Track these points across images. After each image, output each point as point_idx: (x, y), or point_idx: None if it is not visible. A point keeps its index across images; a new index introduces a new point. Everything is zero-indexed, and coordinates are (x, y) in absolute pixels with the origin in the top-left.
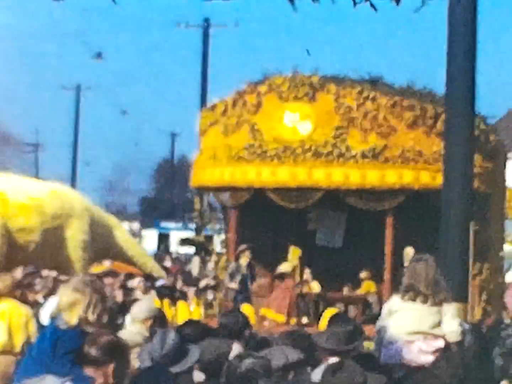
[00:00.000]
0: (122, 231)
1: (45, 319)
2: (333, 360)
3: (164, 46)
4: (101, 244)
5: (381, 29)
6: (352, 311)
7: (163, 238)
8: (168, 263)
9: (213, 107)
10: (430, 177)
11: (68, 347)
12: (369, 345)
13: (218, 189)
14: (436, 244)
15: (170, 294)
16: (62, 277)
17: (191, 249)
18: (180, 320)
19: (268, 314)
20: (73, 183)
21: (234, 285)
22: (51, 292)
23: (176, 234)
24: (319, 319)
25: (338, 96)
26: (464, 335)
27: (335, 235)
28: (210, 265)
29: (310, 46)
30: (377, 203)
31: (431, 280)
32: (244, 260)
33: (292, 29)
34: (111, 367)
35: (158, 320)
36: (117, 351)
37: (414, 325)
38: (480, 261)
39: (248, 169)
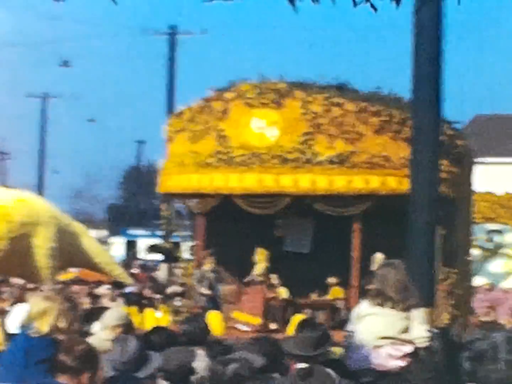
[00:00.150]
0: (89, 238)
1: (11, 328)
2: (301, 365)
3: (131, 53)
4: (68, 252)
5: (346, 35)
6: (320, 317)
7: (131, 245)
8: (135, 270)
9: (180, 114)
10: (397, 182)
11: (40, 356)
12: (337, 351)
13: (186, 196)
14: (404, 249)
15: (138, 301)
16: (30, 285)
17: (158, 256)
18: (148, 327)
19: (242, 317)
20: (40, 191)
21: (206, 290)
22: (18, 300)
23: (144, 241)
24: (286, 325)
25: (305, 102)
26: (432, 340)
27: (302, 241)
28: (178, 272)
29: (277, 52)
30: (344, 208)
31: (400, 285)
32: (208, 266)
33: (259, 36)
34: (85, 376)
35: (127, 327)
36: (92, 359)
37: (383, 330)
38: (448, 265)
39: (215, 176)
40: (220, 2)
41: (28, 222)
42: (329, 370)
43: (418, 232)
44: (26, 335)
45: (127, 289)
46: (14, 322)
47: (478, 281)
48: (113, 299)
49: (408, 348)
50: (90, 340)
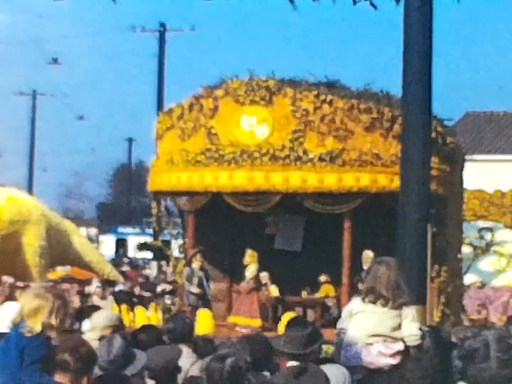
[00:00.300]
0: (79, 236)
1: (1, 327)
2: (292, 363)
3: (120, 51)
4: (58, 250)
5: (337, 32)
6: (311, 315)
7: (121, 244)
8: (126, 268)
9: (170, 112)
10: (387, 180)
11: (35, 355)
12: (328, 349)
13: (175, 194)
14: (394, 246)
15: (128, 299)
16: (20, 283)
17: (148, 254)
18: (139, 326)
19: (240, 321)
20: (30, 189)
21: (195, 289)
22: (8, 298)
23: (134, 239)
24: (277, 323)
25: (295, 100)
26: (423, 338)
27: (293, 239)
28: (168, 270)
29: (267, 50)
30: (334, 206)
31: (393, 283)
32: (196, 264)
33: (248, 32)
34: (85, 379)
35: (117, 328)
36: (93, 362)
37: (374, 328)
38: (439, 263)
39: (205, 174)
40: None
41: (18, 220)
42: (322, 369)
43: (408, 229)
44: (19, 334)
45: (117, 288)
46: (3, 321)
47: (469, 279)
48: (103, 297)
49: (399, 346)
50: None
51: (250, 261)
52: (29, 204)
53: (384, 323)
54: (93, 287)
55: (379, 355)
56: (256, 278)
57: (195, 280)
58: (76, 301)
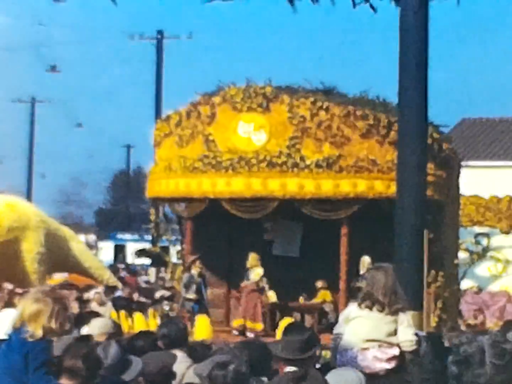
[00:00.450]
0: (78, 243)
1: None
2: (290, 369)
3: (118, 58)
4: (57, 256)
5: (333, 39)
6: (309, 320)
7: (120, 250)
8: (124, 275)
9: (167, 119)
10: (384, 186)
11: (41, 359)
12: (326, 354)
13: (174, 200)
14: (391, 252)
15: (127, 305)
16: (18, 290)
17: (147, 261)
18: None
19: (248, 324)
20: (28, 195)
21: (192, 295)
22: (7, 304)
23: (132, 245)
24: (275, 328)
25: (292, 107)
26: (419, 344)
27: (291, 244)
28: (166, 276)
29: (264, 57)
30: (332, 212)
31: (390, 289)
32: (195, 271)
33: (246, 40)
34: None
35: (113, 335)
36: (99, 367)
37: (370, 333)
38: (435, 269)
39: (203, 180)
40: (219, 3)
41: (17, 227)
42: (320, 375)
43: (405, 235)
44: (21, 339)
45: (116, 294)
46: (2, 327)
47: (465, 284)
48: (102, 304)
49: (395, 351)
50: None
51: (254, 264)
52: (28, 210)
53: (380, 329)
54: (92, 293)
55: (375, 360)
56: (261, 282)
57: (193, 287)
58: (74, 307)
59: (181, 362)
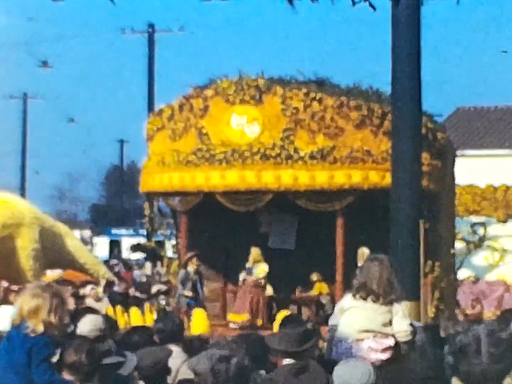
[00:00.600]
0: (73, 239)
1: None
2: (287, 361)
3: (110, 52)
4: (52, 253)
5: (325, 30)
6: (306, 312)
7: (115, 245)
8: (120, 270)
9: (160, 112)
10: (379, 177)
11: (44, 354)
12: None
13: (168, 194)
14: (387, 243)
15: (123, 300)
16: (14, 287)
17: (142, 255)
18: None
19: (236, 318)
20: (22, 192)
21: (188, 292)
22: (3, 301)
23: (128, 240)
24: (272, 321)
25: (285, 98)
26: (414, 334)
27: (287, 237)
28: (162, 271)
29: (256, 49)
30: (327, 204)
31: (384, 280)
32: (192, 267)
33: (237, 32)
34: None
35: (105, 331)
36: (99, 361)
37: (365, 324)
38: (432, 259)
39: (196, 174)
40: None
41: (11, 224)
42: (321, 368)
43: (401, 226)
44: (23, 335)
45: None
46: None
47: (462, 274)
48: (98, 299)
49: (390, 342)
50: None
51: (259, 259)
52: (22, 207)
53: (375, 319)
54: (88, 289)
55: (370, 351)
56: (264, 278)
57: (189, 284)
58: (70, 303)
59: (177, 357)
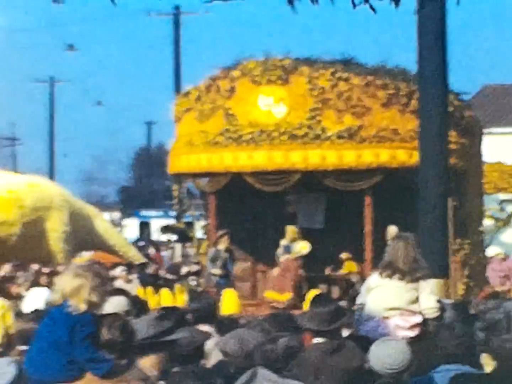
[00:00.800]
0: (102, 221)
1: (28, 311)
2: (318, 340)
3: (136, 35)
4: (82, 235)
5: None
6: (335, 291)
7: (144, 227)
8: (150, 251)
9: (187, 94)
10: (406, 155)
11: (87, 332)
12: None
13: (196, 175)
14: (416, 221)
15: (153, 281)
16: (45, 269)
17: (172, 236)
18: None
19: (279, 297)
20: (51, 175)
21: (217, 271)
22: (34, 284)
23: (157, 222)
24: (302, 300)
25: (311, 78)
26: (442, 311)
27: (316, 216)
28: (192, 252)
29: (282, 30)
30: (354, 183)
31: (410, 258)
32: (222, 246)
33: (263, 12)
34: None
35: (129, 312)
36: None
37: (391, 301)
38: (461, 237)
39: (224, 154)
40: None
41: (41, 207)
42: (356, 347)
43: (429, 204)
44: (66, 313)
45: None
46: (30, 306)
47: (491, 251)
48: (128, 281)
49: (417, 319)
50: None
51: (294, 237)
52: (51, 190)
53: (401, 297)
54: (118, 270)
55: (397, 328)
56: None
57: (219, 262)
58: None
59: (210, 338)
